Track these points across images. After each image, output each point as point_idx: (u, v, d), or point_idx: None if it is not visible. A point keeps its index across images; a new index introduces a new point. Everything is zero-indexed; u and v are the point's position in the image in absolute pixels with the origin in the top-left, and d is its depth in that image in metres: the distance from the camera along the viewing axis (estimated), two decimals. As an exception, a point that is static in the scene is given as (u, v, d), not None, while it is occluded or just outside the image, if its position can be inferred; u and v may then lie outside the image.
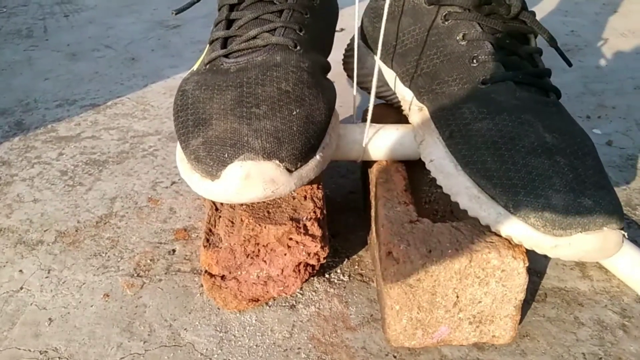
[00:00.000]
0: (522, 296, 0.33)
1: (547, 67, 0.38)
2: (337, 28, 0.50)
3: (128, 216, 0.47)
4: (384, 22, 0.37)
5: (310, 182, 0.38)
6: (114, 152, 0.56)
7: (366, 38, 0.49)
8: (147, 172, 0.53)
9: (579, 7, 0.94)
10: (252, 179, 0.30)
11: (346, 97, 0.62)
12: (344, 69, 0.53)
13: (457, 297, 0.33)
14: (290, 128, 0.32)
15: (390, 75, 0.47)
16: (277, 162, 0.31)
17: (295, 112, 0.33)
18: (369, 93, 0.40)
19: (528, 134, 0.33)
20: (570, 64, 0.40)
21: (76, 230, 0.46)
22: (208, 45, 0.40)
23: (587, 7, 0.94)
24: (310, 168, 0.33)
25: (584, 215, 0.29)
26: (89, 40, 0.83)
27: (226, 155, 0.30)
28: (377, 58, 0.38)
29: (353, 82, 0.42)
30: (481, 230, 0.33)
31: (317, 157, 0.33)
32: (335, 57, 0.43)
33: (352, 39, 0.51)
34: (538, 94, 0.36)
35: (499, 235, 0.32)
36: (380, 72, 0.47)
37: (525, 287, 0.33)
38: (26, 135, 0.58)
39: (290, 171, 0.32)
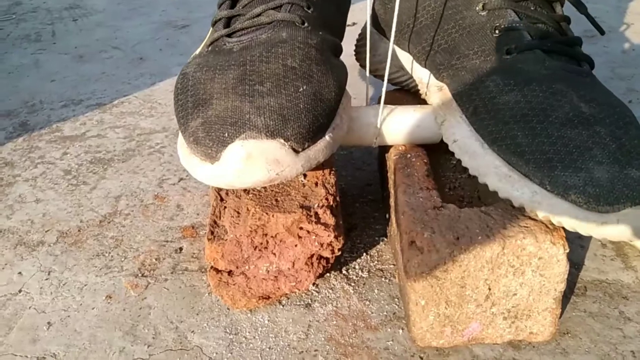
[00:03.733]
0: (562, 287, 0.29)
1: (577, 36, 0.35)
2: (348, 22, 0.47)
3: (133, 214, 0.45)
4: (397, 0, 0.34)
5: (322, 168, 0.35)
6: (120, 150, 0.54)
7: (378, 23, 0.46)
8: (153, 169, 0.51)
9: (594, 3, 0.90)
10: (255, 159, 0.27)
11: (359, 89, 0.59)
12: (356, 59, 0.50)
13: (489, 289, 0.29)
14: (297, 105, 0.29)
15: (405, 58, 0.44)
16: (282, 141, 0.28)
17: (302, 89, 0.30)
18: (384, 80, 0.37)
19: (562, 104, 0.30)
20: (602, 32, 0.37)
21: (79, 230, 0.43)
22: (211, 28, 0.38)
23: (608, -7, 0.90)
24: (319, 149, 0.30)
25: (632, 188, 0.26)
26: (97, 42, 0.81)
27: (226, 135, 0.28)
28: (390, 41, 0.35)
29: (366, 71, 0.40)
30: (514, 214, 0.30)
31: (327, 137, 0.31)
32: (347, 51, 0.41)
33: (364, 28, 0.49)
34: (569, 63, 0.33)
35: (535, 219, 0.29)
36: (395, 57, 0.44)
37: (566, 276, 0.29)
38: (30, 136, 0.57)
39: (296, 151, 0.29)
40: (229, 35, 0.35)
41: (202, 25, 0.86)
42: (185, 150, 0.31)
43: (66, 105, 0.63)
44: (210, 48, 0.35)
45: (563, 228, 0.29)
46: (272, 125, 0.28)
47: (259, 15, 0.35)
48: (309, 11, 0.36)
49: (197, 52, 0.37)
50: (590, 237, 0.40)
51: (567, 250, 0.28)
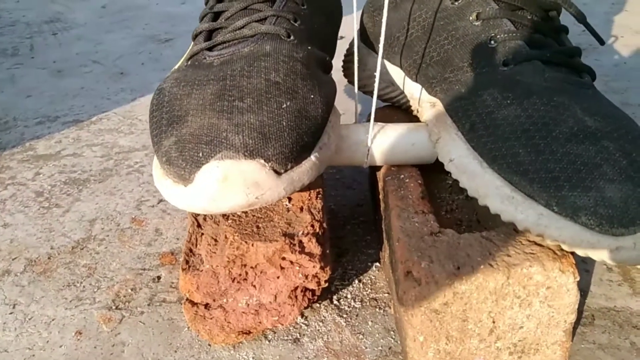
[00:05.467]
0: (572, 318, 0.27)
1: (576, 46, 0.33)
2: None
3: (108, 240, 0.42)
4: (385, 12, 0.32)
5: (308, 191, 0.32)
6: (96, 170, 0.51)
7: (367, 37, 0.44)
8: (131, 190, 0.48)
9: (588, 7, 0.90)
10: (231, 181, 0.25)
11: (347, 105, 0.57)
12: (344, 75, 0.48)
13: (494, 322, 0.27)
14: (279, 123, 0.27)
15: (395, 73, 0.42)
16: (262, 161, 0.25)
17: (285, 105, 0.28)
18: (373, 96, 0.35)
19: (565, 118, 0.28)
20: (602, 42, 0.35)
21: (49, 258, 0.40)
22: (192, 41, 0.35)
23: (596, 7, 0.90)
24: (303, 171, 0.28)
25: (649, 208, 0.23)
26: (77, 56, 0.79)
27: (201, 155, 0.25)
28: (379, 54, 0.33)
29: (354, 86, 0.38)
30: (518, 240, 0.27)
31: (312, 158, 0.28)
32: (335, 65, 0.39)
33: (352, 42, 0.47)
34: (570, 75, 0.31)
35: (541, 244, 0.27)
36: (384, 71, 0.42)
37: (577, 306, 0.27)
38: (1, 155, 0.54)
39: (278, 173, 0.26)
40: (210, 49, 0.32)
41: (186, 39, 0.84)
42: (159, 171, 0.28)
43: (41, 122, 0.60)
44: (189, 62, 0.33)
45: (572, 253, 0.26)
46: (251, 144, 0.25)
47: (241, 27, 0.33)
48: (296, 24, 0.34)
49: (177, 66, 0.35)
50: (594, 261, 0.38)
51: (578, 279, 0.26)
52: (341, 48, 0.48)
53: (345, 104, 0.53)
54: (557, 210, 0.25)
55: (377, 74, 0.33)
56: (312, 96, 0.29)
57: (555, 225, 0.25)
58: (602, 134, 0.27)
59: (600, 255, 0.25)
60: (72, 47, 0.82)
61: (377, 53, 0.43)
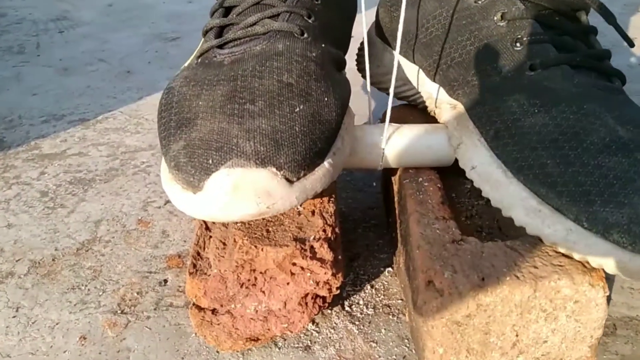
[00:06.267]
0: (599, 333, 0.26)
1: (606, 49, 0.32)
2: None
3: (114, 241, 0.41)
4: (403, 8, 0.31)
5: (320, 195, 0.31)
6: (102, 170, 0.50)
7: (382, 32, 0.43)
8: (137, 190, 0.47)
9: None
10: (242, 190, 0.24)
11: (360, 103, 0.56)
12: (358, 69, 0.47)
13: (517, 336, 0.26)
14: (292, 128, 0.25)
15: (412, 71, 0.41)
16: (274, 169, 0.24)
17: (298, 109, 0.26)
18: (388, 93, 0.34)
19: (596, 127, 0.26)
20: (632, 44, 0.34)
21: (53, 260, 0.39)
22: (202, 38, 0.34)
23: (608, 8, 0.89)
24: (316, 178, 0.26)
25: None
26: (83, 54, 0.78)
27: (210, 162, 0.24)
28: (396, 52, 0.31)
29: (366, 81, 0.36)
30: (544, 250, 0.26)
31: (326, 164, 0.27)
32: (349, 64, 0.37)
33: (367, 35, 0.45)
34: (600, 79, 0.30)
35: (569, 257, 0.26)
36: (400, 69, 0.41)
37: (604, 322, 0.26)
38: (6, 154, 0.53)
39: (290, 181, 0.25)
40: (221, 47, 0.31)
41: (193, 37, 0.83)
42: (167, 175, 0.27)
43: (47, 121, 0.59)
44: (199, 60, 0.31)
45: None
46: (262, 151, 0.24)
47: (253, 24, 0.31)
48: (310, 20, 0.33)
49: (186, 64, 0.33)
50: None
51: (607, 293, 0.25)
52: (355, 44, 0.47)
53: (358, 101, 0.51)
54: (587, 226, 0.24)
55: (394, 72, 0.32)
56: (326, 99, 0.28)
57: (585, 242, 0.24)
58: (635, 146, 0.26)
59: (632, 274, 0.23)
60: (78, 46, 0.81)
61: (393, 49, 0.41)
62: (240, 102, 0.26)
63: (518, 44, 0.31)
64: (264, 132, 0.25)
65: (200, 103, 0.27)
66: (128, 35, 0.85)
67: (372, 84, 0.40)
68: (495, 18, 0.32)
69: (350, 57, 0.40)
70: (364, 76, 0.46)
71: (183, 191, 0.25)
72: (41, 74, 0.71)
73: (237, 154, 0.24)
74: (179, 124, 0.27)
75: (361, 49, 0.46)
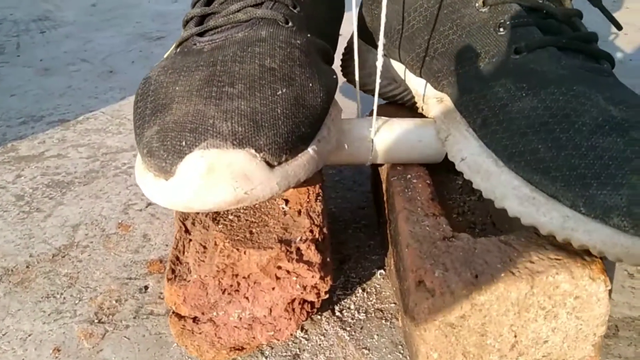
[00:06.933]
0: (602, 330, 0.25)
1: (592, 31, 0.31)
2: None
3: (92, 246, 0.39)
4: (384, 4, 0.29)
5: (307, 192, 0.29)
6: (82, 172, 0.48)
7: (365, 33, 0.41)
8: (118, 192, 0.45)
9: (589, 4, 0.88)
10: (218, 173, 0.22)
11: (349, 106, 0.54)
12: (343, 74, 0.45)
13: (516, 336, 0.24)
14: (273, 110, 0.24)
15: (397, 68, 0.39)
16: (253, 151, 0.23)
17: (280, 92, 0.25)
18: (374, 95, 0.32)
19: (587, 108, 0.25)
20: (620, 27, 0.33)
21: (27, 267, 0.37)
22: (182, 28, 0.33)
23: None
24: (299, 164, 0.25)
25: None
26: (65, 55, 0.76)
27: (184, 144, 0.22)
28: (379, 50, 0.30)
29: (355, 86, 0.35)
30: (540, 244, 0.25)
31: (310, 151, 0.25)
32: (334, 65, 0.36)
33: (351, 39, 0.44)
34: (588, 61, 0.29)
35: (567, 249, 0.24)
36: (385, 68, 0.39)
37: (607, 318, 0.24)
38: (-19, 157, 0.51)
39: (271, 165, 0.23)
40: (201, 35, 0.30)
41: (178, 37, 0.81)
42: (141, 166, 0.25)
43: (25, 122, 0.57)
44: (178, 49, 0.30)
45: (602, 258, 0.24)
46: (240, 131, 0.23)
47: (236, 12, 0.30)
48: (295, 10, 0.31)
49: (166, 55, 0.32)
50: (614, 265, 0.35)
51: (609, 287, 0.23)
52: (339, 48, 0.45)
53: (345, 106, 0.50)
54: (584, 211, 0.23)
55: (378, 72, 0.30)
56: (310, 84, 0.27)
57: (584, 228, 0.23)
58: (629, 124, 0.24)
59: (636, 260, 0.22)
60: (60, 46, 0.79)
61: (376, 49, 0.40)
62: (219, 85, 0.24)
63: (501, 29, 0.29)
64: (243, 113, 0.23)
65: (177, 89, 0.25)
66: (112, 34, 0.83)
67: (359, 87, 0.39)
68: (477, 4, 0.30)
69: (335, 64, 0.38)
70: (350, 81, 0.45)
71: (155, 179, 0.24)
72: (21, 74, 0.69)
73: (213, 134, 0.22)
74: (153, 110, 0.25)
75: (345, 53, 0.45)
